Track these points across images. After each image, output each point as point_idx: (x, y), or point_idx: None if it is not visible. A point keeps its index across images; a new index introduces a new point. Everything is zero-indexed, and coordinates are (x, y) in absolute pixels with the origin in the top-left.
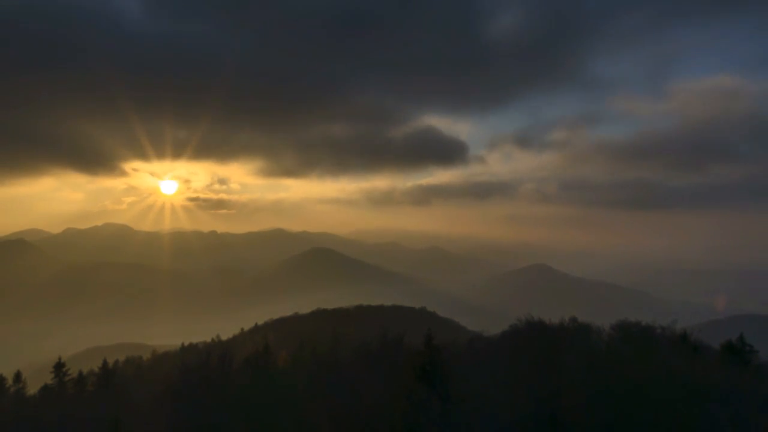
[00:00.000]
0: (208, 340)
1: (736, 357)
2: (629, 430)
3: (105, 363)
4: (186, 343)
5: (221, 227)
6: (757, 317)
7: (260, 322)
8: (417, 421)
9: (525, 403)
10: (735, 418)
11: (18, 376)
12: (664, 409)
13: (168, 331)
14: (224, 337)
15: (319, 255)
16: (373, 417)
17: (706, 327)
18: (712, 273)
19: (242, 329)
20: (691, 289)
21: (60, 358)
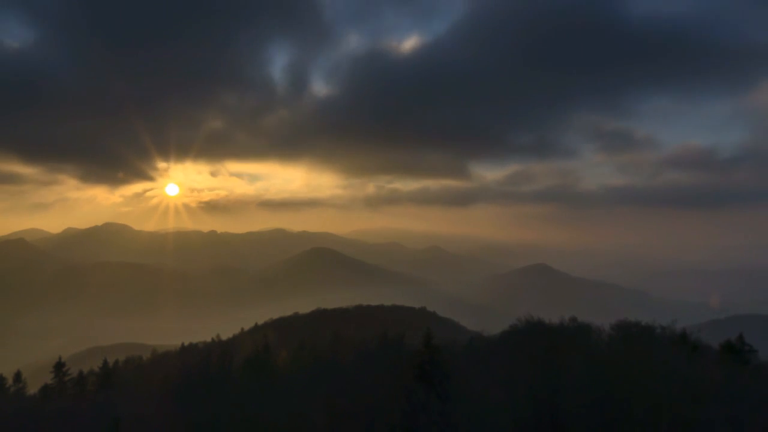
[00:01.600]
0: (208, 340)
1: (735, 357)
2: (629, 430)
3: (105, 363)
4: (186, 343)
5: (221, 227)
6: (757, 317)
7: (260, 322)
8: (417, 421)
9: (525, 403)
10: (734, 418)
11: (18, 376)
12: (663, 409)
13: (168, 331)
14: (224, 337)
15: (319, 255)
16: (373, 417)
17: (705, 327)
18: (712, 273)
19: (242, 329)
20: (691, 289)
21: (60, 358)
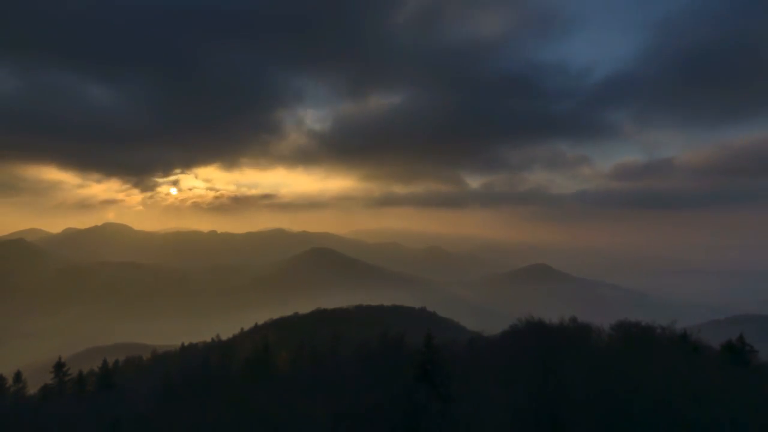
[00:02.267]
0: (208, 340)
1: (736, 357)
2: (629, 430)
3: (105, 363)
4: (186, 343)
5: (221, 227)
6: (757, 317)
7: (260, 322)
8: (417, 421)
9: (525, 403)
10: (735, 418)
11: (18, 376)
12: (664, 409)
13: (168, 331)
14: (224, 337)
15: (319, 255)
16: (374, 417)
17: (706, 327)
18: (711, 273)
19: (242, 329)
20: (691, 289)
21: (60, 358)
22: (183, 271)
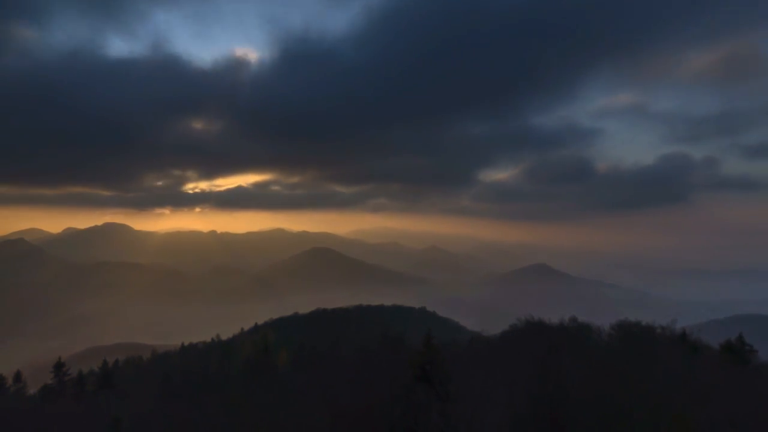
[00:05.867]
0: (208, 340)
1: (735, 357)
2: (629, 430)
3: (105, 363)
4: (186, 343)
5: (221, 227)
6: (757, 317)
7: (260, 322)
8: (417, 421)
9: (524, 403)
10: (734, 418)
11: (18, 376)
12: (663, 410)
13: (168, 330)
14: (224, 337)
15: (319, 255)
16: (373, 417)
17: (706, 327)
18: (712, 273)
19: (242, 329)
20: (691, 289)
21: (60, 358)
22: (183, 270)
